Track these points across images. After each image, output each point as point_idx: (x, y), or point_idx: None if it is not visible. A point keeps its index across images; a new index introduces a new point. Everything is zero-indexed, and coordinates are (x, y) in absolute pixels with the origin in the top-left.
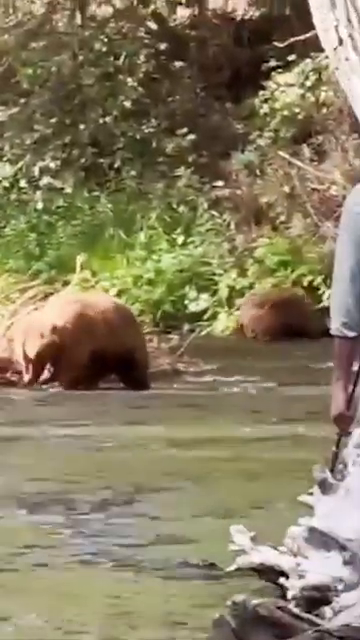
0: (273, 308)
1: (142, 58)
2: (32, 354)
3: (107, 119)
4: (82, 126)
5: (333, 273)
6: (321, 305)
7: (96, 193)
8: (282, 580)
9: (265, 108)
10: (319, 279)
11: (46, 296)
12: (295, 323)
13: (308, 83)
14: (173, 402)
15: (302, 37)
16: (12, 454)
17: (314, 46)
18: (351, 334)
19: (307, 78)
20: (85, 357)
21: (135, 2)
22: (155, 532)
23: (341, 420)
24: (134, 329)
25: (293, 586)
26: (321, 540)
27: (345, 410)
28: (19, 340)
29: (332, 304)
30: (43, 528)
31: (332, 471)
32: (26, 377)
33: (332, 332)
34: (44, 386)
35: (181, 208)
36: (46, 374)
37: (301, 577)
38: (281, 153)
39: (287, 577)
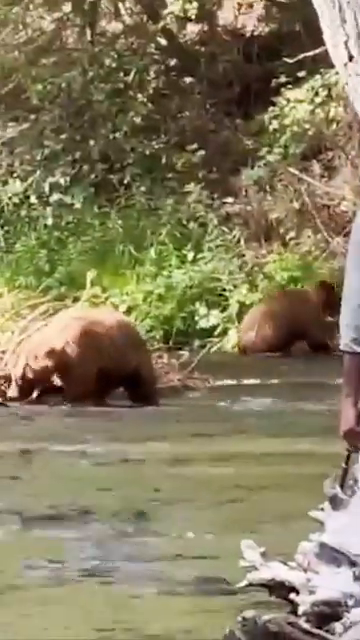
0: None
1: (152, 74)
2: (34, 370)
3: (117, 135)
4: (92, 142)
5: (343, 289)
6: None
7: (106, 209)
8: (293, 596)
9: (275, 124)
10: None
11: (56, 312)
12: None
13: (318, 99)
14: (183, 418)
15: (312, 53)
16: (23, 469)
17: (324, 62)
18: None
19: (317, 94)
20: (90, 374)
21: (145, 18)
22: (165, 548)
23: (351, 436)
24: (138, 346)
25: (304, 602)
26: (331, 556)
27: (355, 426)
28: (22, 356)
29: (341, 320)
30: (53, 543)
31: (342, 487)
32: (11, 392)
33: (341, 348)
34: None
35: (191, 224)
36: (35, 393)
37: (312, 593)
38: (291, 169)
39: (298, 593)
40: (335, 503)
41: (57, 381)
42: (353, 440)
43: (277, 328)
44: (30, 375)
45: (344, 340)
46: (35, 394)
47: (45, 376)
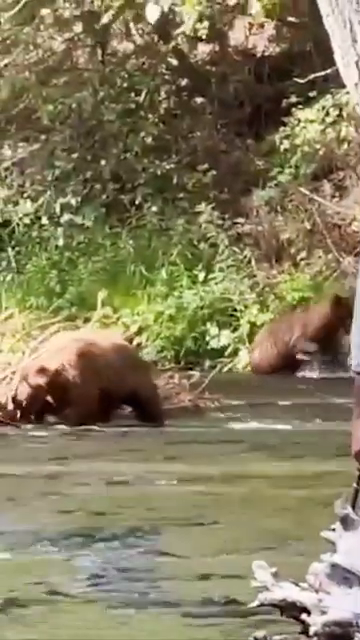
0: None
1: (163, 94)
2: (29, 393)
3: (128, 155)
4: (103, 162)
5: (354, 309)
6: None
7: (117, 229)
8: (304, 616)
9: (286, 144)
10: None
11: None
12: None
13: (329, 119)
14: (193, 438)
15: (323, 73)
16: (29, 490)
17: (335, 82)
18: None
19: (328, 114)
20: (90, 395)
21: (156, 38)
22: (174, 568)
23: None
24: (137, 367)
25: (315, 622)
26: (343, 576)
27: None
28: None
29: (352, 340)
30: (63, 563)
31: (354, 507)
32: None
33: (353, 369)
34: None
35: (202, 244)
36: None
37: (323, 613)
38: (302, 189)
39: (309, 613)
40: (346, 524)
41: (53, 402)
42: None
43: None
44: (26, 397)
45: (355, 361)
46: (33, 415)
47: (41, 398)
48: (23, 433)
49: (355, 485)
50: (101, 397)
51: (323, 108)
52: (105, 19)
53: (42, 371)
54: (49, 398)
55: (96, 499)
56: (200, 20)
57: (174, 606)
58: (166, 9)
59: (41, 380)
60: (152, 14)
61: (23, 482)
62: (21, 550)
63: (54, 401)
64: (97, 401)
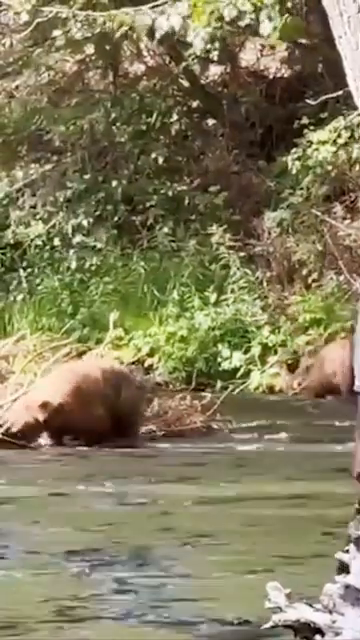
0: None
1: (174, 116)
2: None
3: (139, 176)
4: (115, 183)
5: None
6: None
7: (129, 251)
8: (318, 637)
9: (297, 165)
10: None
11: (79, 354)
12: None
13: (340, 140)
14: (205, 459)
15: (334, 95)
16: (40, 513)
17: (346, 104)
18: None
19: (339, 136)
20: (86, 419)
21: (167, 60)
22: (188, 588)
23: None
24: (126, 394)
25: None
26: (356, 597)
27: None
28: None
29: (356, 361)
30: (75, 582)
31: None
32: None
33: (355, 389)
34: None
35: (214, 266)
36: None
37: (337, 634)
38: (313, 211)
39: (323, 634)
40: None
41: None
42: None
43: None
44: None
45: (358, 381)
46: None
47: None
48: (30, 454)
49: (357, 506)
50: (96, 421)
51: (335, 130)
52: (118, 34)
53: (41, 405)
54: (47, 429)
55: (108, 519)
56: (212, 42)
57: (187, 626)
58: (177, 25)
59: (39, 414)
60: (159, 29)
61: (33, 503)
62: (34, 568)
63: (52, 431)
64: (95, 425)
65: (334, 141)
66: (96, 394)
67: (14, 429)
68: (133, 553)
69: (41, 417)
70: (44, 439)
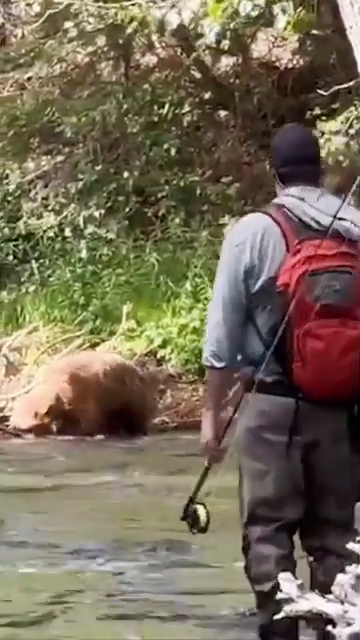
0: None
1: (186, 107)
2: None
3: (151, 168)
4: (126, 174)
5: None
6: None
7: (141, 242)
8: (330, 628)
9: None
10: None
11: (92, 346)
12: None
13: (352, 131)
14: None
15: (346, 85)
16: (44, 503)
17: (358, 94)
18: (219, 365)
19: (351, 126)
20: (85, 414)
21: (179, 51)
22: (202, 580)
23: (208, 450)
24: (129, 385)
25: (341, 633)
26: None
27: (212, 440)
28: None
29: (206, 335)
30: (87, 575)
31: (192, 500)
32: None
33: (203, 361)
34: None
35: None
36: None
37: (349, 624)
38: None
39: (335, 625)
40: None
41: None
42: (208, 454)
43: None
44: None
45: (205, 354)
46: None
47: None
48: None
49: (200, 479)
50: (100, 412)
51: (347, 120)
52: (129, 29)
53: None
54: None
55: (122, 511)
56: (224, 34)
57: (201, 618)
58: (187, 20)
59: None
60: (172, 22)
61: (42, 495)
62: (48, 561)
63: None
64: (97, 416)
65: (346, 131)
66: (97, 387)
67: (20, 421)
68: (146, 545)
69: (45, 410)
70: (49, 431)
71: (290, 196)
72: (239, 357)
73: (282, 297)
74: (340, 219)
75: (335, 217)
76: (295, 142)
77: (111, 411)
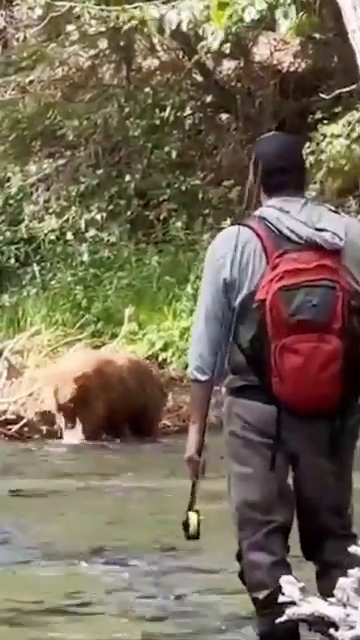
0: None
1: (188, 110)
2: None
3: (153, 171)
4: (128, 178)
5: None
6: None
7: (142, 245)
8: (332, 631)
9: (311, 159)
10: None
11: (93, 349)
12: None
13: (354, 134)
14: (220, 453)
15: (348, 89)
16: (50, 507)
17: None
18: (203, 378)
19: (353, 129)
20: (100, 411)
21: (181, 54)
22: (200, 583)
23: (190, 463)
24: (148, 387)
25: (343, 637)
26: None
27: (195, 455)
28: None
29: (190, 348)
30: (87, 578)
31: (189, 508)
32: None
33: (188, 374)
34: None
35: None
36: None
37: (351, 628)
38: (327, 205)
39: (337, 628)
40: None
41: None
42: (192, 468)
43: None
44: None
45: (189, 367)
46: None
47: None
48: (49, 448)
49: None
50: (111, 413)
51: (349, 123)
52: (126, 27)
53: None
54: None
55: (127, 514)
56: (227, 38)
57: (199, 621)
58: (186, 21)
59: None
60: (171, 22)
61: (38, 497)
62: (52, 562)
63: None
64: (105, 418)
65: (348, 134)
66: (119, 388)
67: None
68: (150, 548)
69: (61, 410)
70: (63, 433)
71: (271, 207)
72: (225, 367)
73: (259, 312)
74: (320, 230)
75: (315, 229)
76: (279, 151)
77: (125, 412)
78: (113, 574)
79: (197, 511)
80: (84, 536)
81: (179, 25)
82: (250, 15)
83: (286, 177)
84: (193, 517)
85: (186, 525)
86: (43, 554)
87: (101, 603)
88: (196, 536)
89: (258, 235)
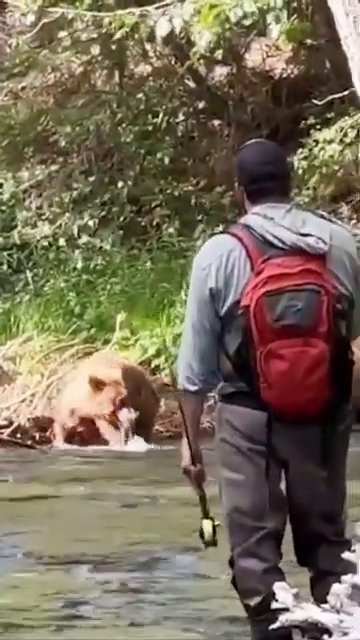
0: None
1: (180, 116)
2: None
3: (145, 177)
4: (121, 184)
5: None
6: None
7: (135, 251)
8: (326, 637)
9: (303, 165)
10: None
11: (85, 355)
12: None
13: (347, 139)
14: (211, 459)
15: (341, 95)
16: (51, 512)
17: (353, 104)
18: (193, 388)
19: (346, 135)
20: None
21: (173, 61)
22: (195, 589)
23: (188, 474)
24: (143, 392)
25: None
26: None
27: (190, 465)
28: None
29: (178, 358)
30: (81, 585)
31: (205, 516)
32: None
33: (178, 385)
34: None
35: None
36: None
37: (344, 634)
38: (319, 211)
39: (330, 634)
40: None
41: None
42: (189, 478)
43: None
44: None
45: (179, 378)
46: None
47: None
48: (47, 454)
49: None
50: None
51: (341, 129)
52: (118, 35)
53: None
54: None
55: (124, 520)
56: (218, 43)
57: (198, 625)
58: (178, 27)
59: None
60: (162, 29)
61: (31, 504)
62: (49, 569)
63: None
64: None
65: (340, 140)
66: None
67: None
68: (149, 554)
69: (64, 419)
70: (56, 440)
71: (255, 215)
72: (215, 376)
73: (244, 318)
74: (305, 235)
75: (300, 234)
76: (262, 158)
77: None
78: (108, 579)
79: (212, 518)
80: (79, 541)
81: (171, 32)
82: (236, 15)
83: (271, 184)
84: (207, 525)
85: (201, 533)
86: (46, 559)
87: (99, 608)
88: (212, 543)
89: (243, 243)
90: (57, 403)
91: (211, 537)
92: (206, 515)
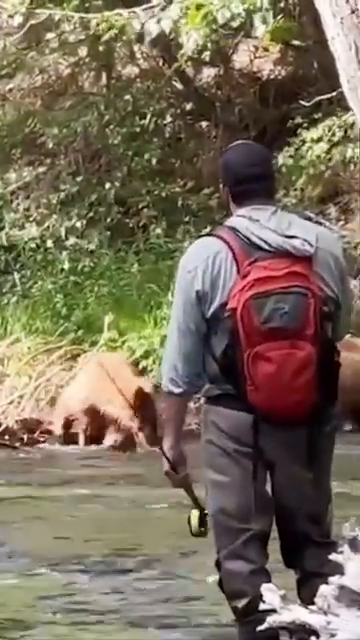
0: None
1: (168, 118)
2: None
3: (133, 178)
4: (108, 185)
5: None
6: None
7: (122, 253)
8: (313, 639)
9: (290, 162)
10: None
11: (73, 357)
12: None
13: (335, 139)
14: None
15: (328, 96)
16: (40, 514)
17: (340, 105)
18: (177, 391)
19: (333, 134)
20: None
21: (161, 62)
22: (184, 591)
23: (169, 476)
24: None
25: None
26: (352, 599)
27: (170, 469)
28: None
29: (163, 360)
30: (72, 586)
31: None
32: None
33: (162, 387)
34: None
35: None
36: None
37: (332, 636)
38: (307, 212)
39: (318, 636)
40: (355, 546)
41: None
42: (171, 480)
43: None
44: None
45: (163, 380)
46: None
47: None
48: (29, 456)
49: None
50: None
51: (329, 129)
52: (106, 36)
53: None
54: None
55: (114, 523)
56: (205, 45)
57: (180, 628)
58: (167, 29)
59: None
60: (150, 31)
61: (28, 505)
62: (40, 572)
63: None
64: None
65: (328, 140)
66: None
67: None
68: (138, 557)
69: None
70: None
71: (241, 217)
72: (200, 378)
73: (230, 321)
74: (290, 237)
75: (285, 236)
76: (248, 160)
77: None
78: (109, 581)
79: (202, 509)
80: (79, 543)
81: (159, 34)
82: (224, 16)
83: (257, 185)
84: (194, 514)
85: (189, 524)
86: (38, 562)
87: (90, 609)
88: (200, 534)
89: (229, 245)
90: (61, 402)
91: (197, 528)
92: (197, 506)
